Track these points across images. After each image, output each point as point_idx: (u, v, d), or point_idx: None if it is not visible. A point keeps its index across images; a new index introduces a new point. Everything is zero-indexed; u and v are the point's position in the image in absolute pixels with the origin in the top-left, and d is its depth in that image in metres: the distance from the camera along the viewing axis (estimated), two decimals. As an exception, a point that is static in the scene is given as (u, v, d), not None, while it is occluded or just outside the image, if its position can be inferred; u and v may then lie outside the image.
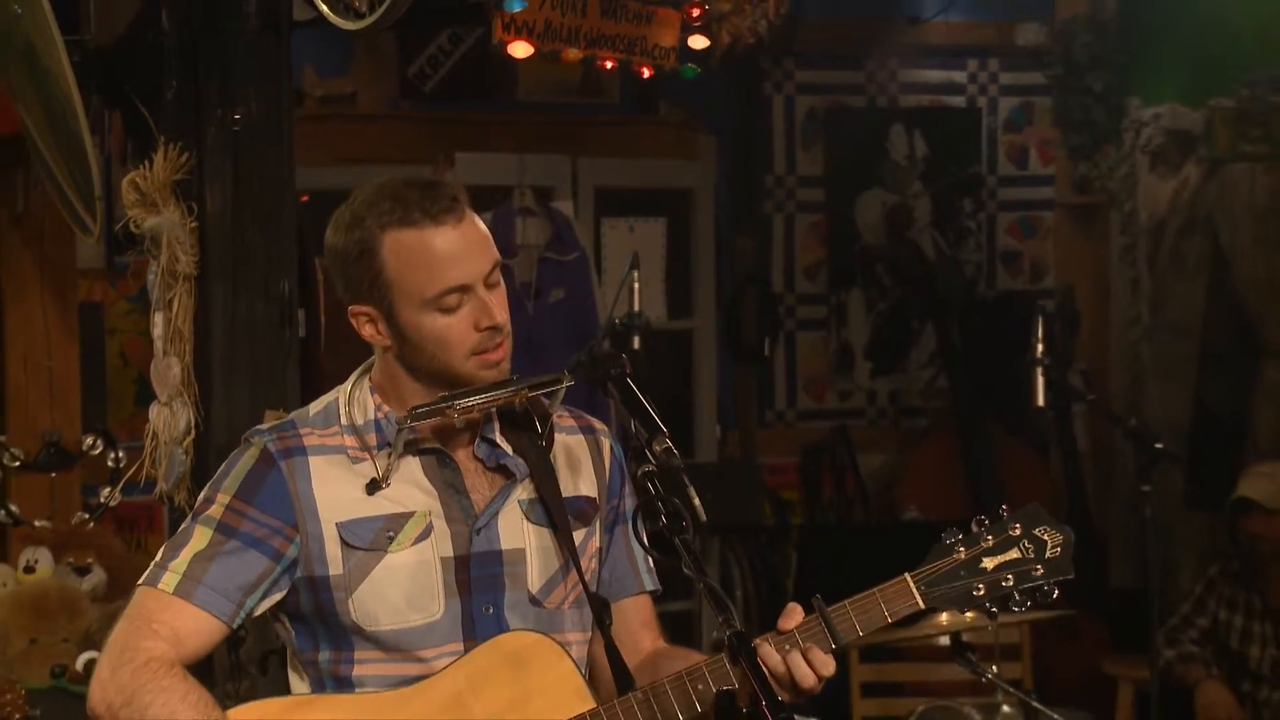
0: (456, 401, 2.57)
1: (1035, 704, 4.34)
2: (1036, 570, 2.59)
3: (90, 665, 4.19)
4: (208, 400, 3.96)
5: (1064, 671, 6.32)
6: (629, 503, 2.76)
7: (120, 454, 4.83)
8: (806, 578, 6.48)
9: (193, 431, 3.95)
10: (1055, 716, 4.35)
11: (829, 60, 7.39)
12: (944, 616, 4.34)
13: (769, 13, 5.21)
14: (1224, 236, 6.78)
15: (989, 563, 2.59)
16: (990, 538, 2.60)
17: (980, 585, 2.59)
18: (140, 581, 2.60)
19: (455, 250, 2.56)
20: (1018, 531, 2.61)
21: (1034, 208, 7.62)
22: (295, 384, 3.97)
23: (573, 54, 3.89)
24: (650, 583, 2.81)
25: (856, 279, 7.48)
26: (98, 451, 4.93)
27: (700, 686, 2.52)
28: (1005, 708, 4.61)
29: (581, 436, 2.76)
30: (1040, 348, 4.40)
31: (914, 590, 2.58)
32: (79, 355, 5.11)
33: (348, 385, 2.70)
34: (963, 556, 2.59)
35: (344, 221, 2.61)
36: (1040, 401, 4.43)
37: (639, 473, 2.51)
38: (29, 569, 4.55)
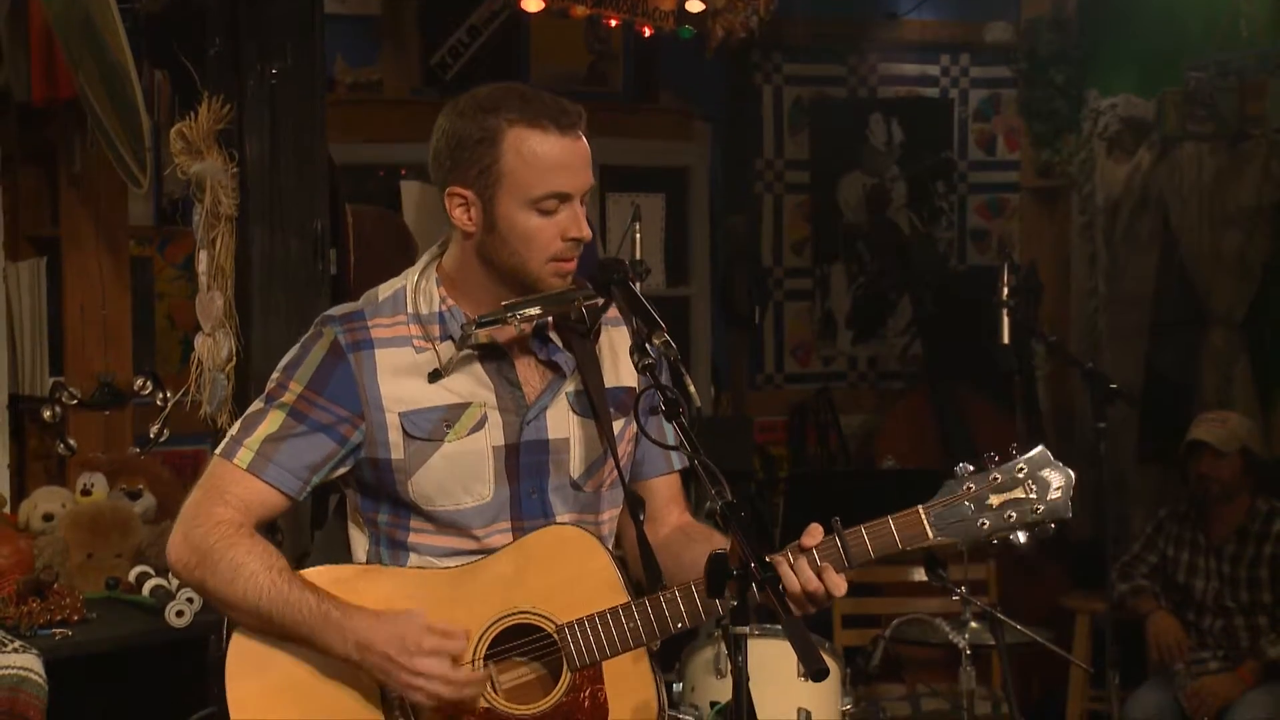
0: (518, 311, 2.55)
1: (1000, 615, 4.33)
2: (1038, 509, 2.57)
3: (141, 577, 4.23)
4: (247, 330, 3.98)
5: (1027, 605, 6.32)
6: (653, 425, 2.72)
7: (167, 393, 4.84)
8: (793, 520, 6.47)
9: (234, 359, 3.96)
10: (1018, 626, 4.35)
11: (814, 54, 7.41)
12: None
13: (759, 9, 5.23)
14: (1173, 215, 6.77)
15: (995, 500, 2.56)
16: (998, 476, 2.57)
17: (985, 521, 2.56)
18: (217, 452, 2.61)
19: (570, 160, 2.55)
20: (1024, 472, 2.58)
21: (1001, 190, 7.63)
22: (326, 315, 3.97)
23: (580, 10, 3.91)
24: (678, 462, 2.80)
25: (839, 254, 7.49)
26: (147, 391, 4.95)
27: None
28: (973, 624, 4.59)
29: (625, 329, 2.73)
30: (1005, 290, 4.39)
31: (925, 522, 2.57)
32: (130, 305, 5.10)
33: (415, 272, 2.67)
34: (971, 493, 2.57)
35: (467, 109, 2.56)
36: (1005, 339, 4.42)
37: (640, 364, 2.51)
38: (86, 491, 4.54)
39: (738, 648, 2.30)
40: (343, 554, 2.73)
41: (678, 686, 4.44)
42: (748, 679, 2.30)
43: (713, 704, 3.68)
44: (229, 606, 2.55)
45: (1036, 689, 6.30)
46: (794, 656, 3.84)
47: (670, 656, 4.76)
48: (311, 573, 2.59)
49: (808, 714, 4.00)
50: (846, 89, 7.48)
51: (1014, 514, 2.56)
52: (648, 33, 4.13)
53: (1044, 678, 6.28)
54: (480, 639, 2.54)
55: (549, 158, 2.53)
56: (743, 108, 7.34)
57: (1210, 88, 6.39)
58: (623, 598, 2.55)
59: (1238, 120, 6.37)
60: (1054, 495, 2.57)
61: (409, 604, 2.55)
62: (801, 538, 2.54)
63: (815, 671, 2.22)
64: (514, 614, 2.55)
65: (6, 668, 3.38)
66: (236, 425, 2.63)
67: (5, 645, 3.48)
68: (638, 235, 4.81)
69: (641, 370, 2.52)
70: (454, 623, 2.52)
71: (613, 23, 3.98)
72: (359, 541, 2.70)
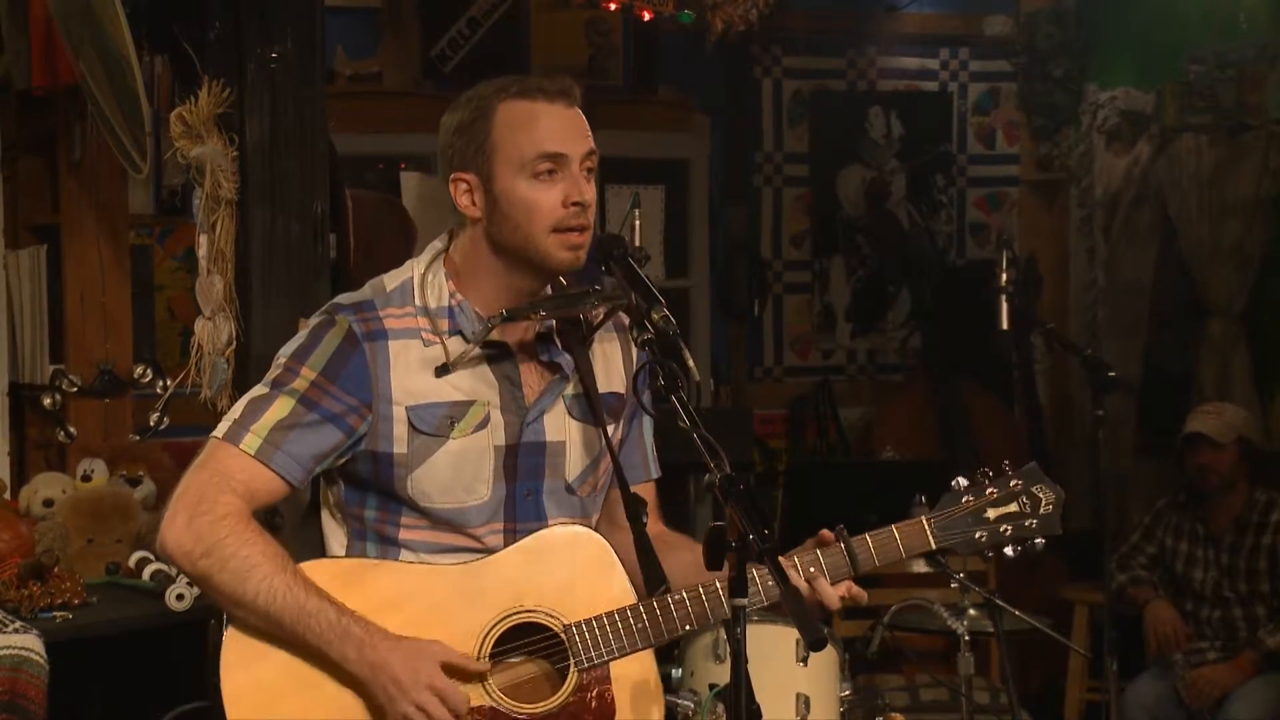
0: (542, 309, 2.55)
1: (1000, 602, 4.32)
2: (1030, 524, 2.72)
3: (141, 562, 4.23)
4: (247, 314, 3.98)
5: (1025, 597, 6.32)
6: (647, 398, 2.73)
7: (167, 381, 4.85)
8: (793, 512, 6.48)
9: (234, 343, 3.97)
10: (1017, 613, 4.34)
11: (813, 47, 7.42)
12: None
13: (759, 2, 5.23)
14: (1172, 207, 6.78)
15: (992, 513, 2.71)
16: (994, 490, 2.72)
17: (982, 533, 2.70)
18: (219, 436, 2.55)
19: (559, 124, 2.55)
20: (1018, 487, 2.73)
21: (1000, 184, 7.64)
22: (327, 299, 3.94)
23: (580, -4, 3.91)
24: (655, 470, 2.84)
25: (838, 247, 7.49)
26: (147, 379, 4.95)
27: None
28: (972, 611, 4.58)
29: (615, 335, 2.75)
30: (1004, 277, 4.39)
31: (928, 532, 2.69)
32: (130, 293, 5.10)
33: (422, 264, 2.65)
34: (970, 506, 2.71)
35: (465, 99, 2.59)
36: (1005, 325, 4.42)
37: (640, 340, 2.51)
38: (86, 477, 4.56)
39: (736, 620, 2.28)
40: (317, 545, 2.69)
41: (676, 672, 4.41)
42: (746, 661, 2.28)
43: (711, 686, 3.67)
44: (236, 604, 2.49)
45: (1035, 679, 6.30)
46: (792, 643, 3.92)
47: (669, 644, 4.74)
48: (312, 565, 2.55)
49: (806, 700, 3.99)
50: (846, 82, 7.48)
51: (1009, 528, 2.71)
52: (647, 17, 4.14)
53: (1043, 668, 6.28)
54: (486, 636, 2.53)
55: (536, 121, 2.53)
56: (742, 100, 7.35)
57: (1209, 80, 6.40)
58: (631, 599, 2.56)
59: (1237, 112, 6.39)
60: (1045, 510, 2.73)
61: (415, 601, 2.53)
62: (812, 541, 2.66)
63: (814, 641, 2.23)
64: (520, 612, 2.55)
65: (7, 648, 3.38)
66: (239, 409, 2.56)
67: (6, 626, 3.49)
68: (637, 222, 4.81)
69: (640, 345, 2.52)
70: (460, 618, 2.52)
71: (612, 6, 3.99)
72: (335, 534, 2.67)
